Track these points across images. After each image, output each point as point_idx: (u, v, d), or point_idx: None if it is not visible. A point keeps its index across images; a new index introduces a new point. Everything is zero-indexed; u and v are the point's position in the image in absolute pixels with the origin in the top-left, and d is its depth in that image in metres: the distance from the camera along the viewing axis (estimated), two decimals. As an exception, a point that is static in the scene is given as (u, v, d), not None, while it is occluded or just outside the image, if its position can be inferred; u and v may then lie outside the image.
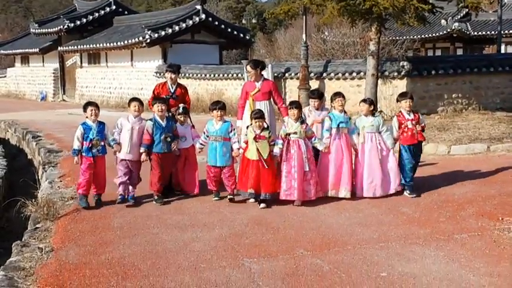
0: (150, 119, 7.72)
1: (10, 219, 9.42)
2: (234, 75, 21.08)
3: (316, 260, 5.39)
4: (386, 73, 15.72)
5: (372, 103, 7.86)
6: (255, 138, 7.24)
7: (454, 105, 15.85)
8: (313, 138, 7.49)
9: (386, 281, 4.85)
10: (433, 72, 15.72)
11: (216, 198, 7.70)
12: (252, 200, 7.46)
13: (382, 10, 12.62)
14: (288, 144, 7.34)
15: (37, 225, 6.90)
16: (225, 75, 21.50)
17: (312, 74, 17.85)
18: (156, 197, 7.70)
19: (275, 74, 19.06)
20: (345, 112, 7.73)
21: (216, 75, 21.87)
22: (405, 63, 15.39)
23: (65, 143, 13.36)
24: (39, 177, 10.71)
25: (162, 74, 23.09)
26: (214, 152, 7.62)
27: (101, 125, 7.52)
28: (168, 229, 6.52)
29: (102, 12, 29.92)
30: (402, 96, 7.96)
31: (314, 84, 17.79)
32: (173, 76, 8.50)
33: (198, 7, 25.11)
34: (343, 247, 5.73)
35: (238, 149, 7.55)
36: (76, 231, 6.47)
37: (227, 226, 6.55)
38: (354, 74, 16.69)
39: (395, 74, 15.61)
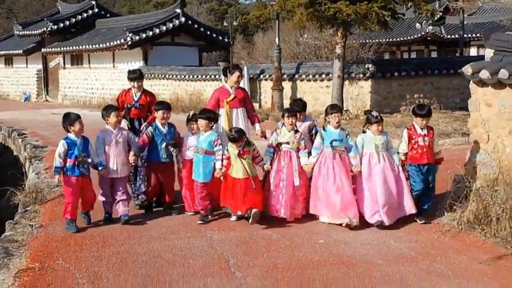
0: (151, 125, 7.20)
1: (-1, 209, 10.23)
2: (212, 76, 22.00)
3: (268, 231, 6.38)
4: (353, 75, 16.81)
5: (382, 120, 6.69)
6: (239, 155, 6.56)
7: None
8: (301, 151, 6.78)
9: (322, 245, 5.87)
10: (395, 73, 16.85)
11: (200, 222, 6.73)
12: (233, 217, 6.79)
13: (345, 16, 13.66)
14: (278, 154, 6.78)
15: (27, 208, 7.77)
16: (204, 76, 22.42)
17: (284, 76, 18.86)
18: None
19: (251, 76, 20.05)
20: (342, 129, 6.71)
21: (195, 76, 22.77)
22: (370, 65, 16.49)
23: (49, 139, 14.17)
24: (26, 170, 11.56)
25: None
26: (196, 165, 6.86)
27: (86, 141, 6.69)
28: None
29: (85, 14, 30.62)
30: (419, 109, 6.77)
31: (287, 85, 18.83)
32: (136, 85, 7.76)
33: (178, 10, 25.96)
34: (292, 221, 6.72)
35: (221, 168, 6.69)
36: (62, 212, 7.34)
37: (196, 208, 7.49)
38: (324, 76, 17.73)
39: (361, 75, 16.69)
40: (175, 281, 5.00)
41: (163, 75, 24.07)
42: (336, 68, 15.55)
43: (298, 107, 7.32)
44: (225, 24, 54.89)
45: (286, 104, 18.75)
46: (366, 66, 16.59)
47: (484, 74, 6.71)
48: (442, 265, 5.28)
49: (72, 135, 6.59)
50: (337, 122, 6.60)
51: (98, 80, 28.47)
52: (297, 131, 6.81)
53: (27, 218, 7.27)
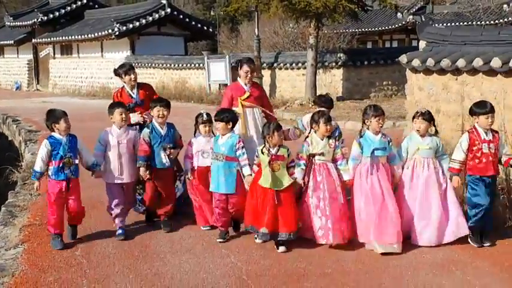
0: (147, 126, 6.21)
1: (-3, 186, 11.31)
2: (197, 65, 23.11)
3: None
4: (326, 63, 18.06)
5: (432, 119, 5.67)
6: (271, 161, 5.53)
7: (384, 91, 18.24)
8: (339, 162, 5.75)
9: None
10: (365, 62, 18.11)
11: (221, 240, 5.87)
12: (259, 240, 5.74)
13: (314, 9, 14.81)
14: (312, 168, 5.69)
15: (25, 181, 8.89)
16: (188, 65, 23.54)
17: (264, 64, 20.04)
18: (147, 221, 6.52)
19: (232, 64, 21.17)
20: (384, 135, 5.68)
21: (180, 65, 23.90)
22: (341, 54, 17.72)
23: (42, 125, 14.76)
24: (22, 152, 12.67)
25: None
26: (216, 174, 5.94)
27: (73, 138, 5.81)
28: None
29: (74, 6, 31.51)
30: (480, 107, 5.51)
31: (266, 73, 20.03)
32: (133, 77, 6.78)
33: (164, 1, 26.91)
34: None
35: (250, 174, 5.78)
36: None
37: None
38: (300, 65, 18.94)
39: (333, 64, 17.95)
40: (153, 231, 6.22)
41: (149, 64, 25.15)
42: (309, 57, 16.74)
43: (326, 104, 6.34)
44: (212, 13, 55.88)
45: (266, 90, 19.95)
46: (338, 55, 17.82)
47: (416, 62, 7.93)
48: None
49: (56, 134, 5.75)
50: (380, 127, 5.64)
51: (86, 69, 29.47)
52: (329, 137, 5.75)
53: (27, 188, 8.40)
